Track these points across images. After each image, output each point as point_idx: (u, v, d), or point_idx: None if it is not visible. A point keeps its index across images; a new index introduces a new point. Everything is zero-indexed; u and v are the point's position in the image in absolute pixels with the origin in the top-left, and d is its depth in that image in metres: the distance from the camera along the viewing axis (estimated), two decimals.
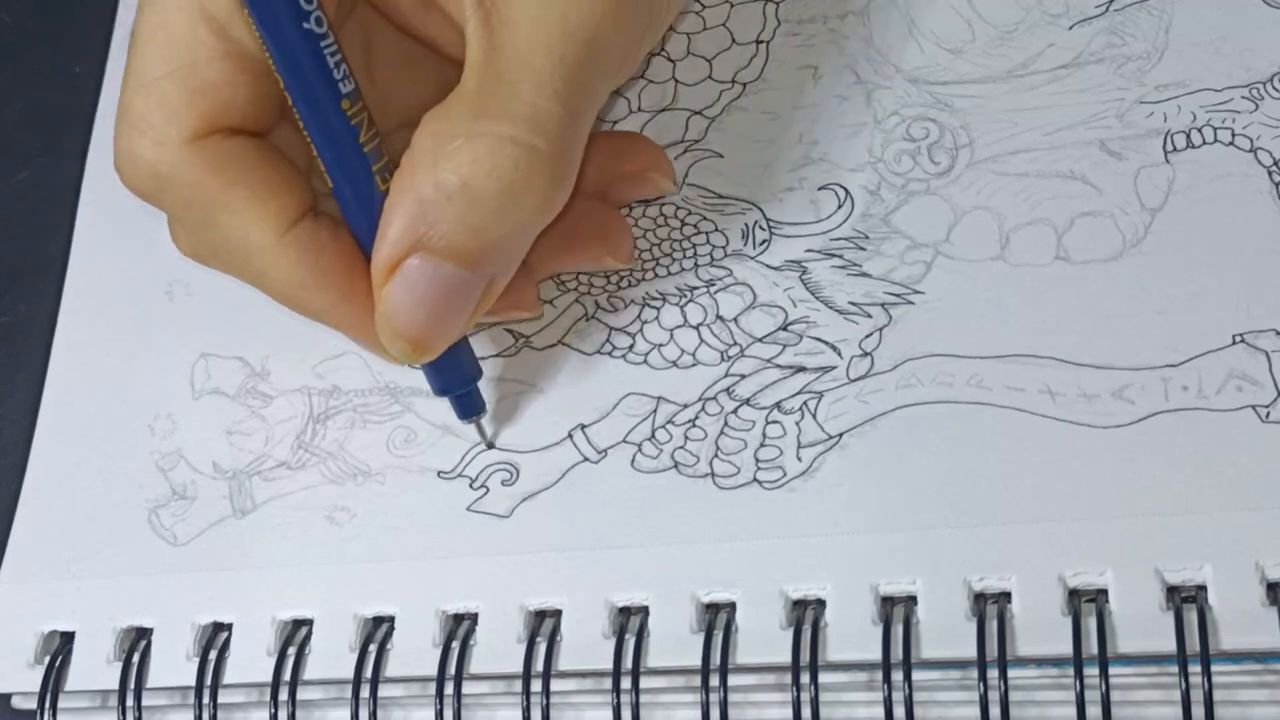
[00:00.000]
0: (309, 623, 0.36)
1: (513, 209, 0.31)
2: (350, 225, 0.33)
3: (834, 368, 0.36)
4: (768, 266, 0.37)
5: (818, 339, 0.36)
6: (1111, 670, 0.31)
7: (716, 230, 0.38)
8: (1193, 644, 0.31)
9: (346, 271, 0.33)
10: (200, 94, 0.32)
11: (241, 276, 0.34)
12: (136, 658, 0.36)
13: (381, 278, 0.32)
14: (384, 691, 0.35)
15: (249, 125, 0.34)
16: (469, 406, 0.36)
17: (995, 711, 0.31)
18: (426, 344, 0.33)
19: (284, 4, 0.31)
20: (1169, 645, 0.31)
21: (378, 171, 0.33)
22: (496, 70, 0.31)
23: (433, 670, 0.34)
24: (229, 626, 0.36)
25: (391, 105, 0.36)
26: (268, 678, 0.35)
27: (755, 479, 0.35)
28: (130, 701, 0.36)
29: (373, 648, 0.35)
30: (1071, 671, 0.31)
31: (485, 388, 0.37)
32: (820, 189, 0.38)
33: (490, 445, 0.37)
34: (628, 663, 0.33)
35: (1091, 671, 0.31)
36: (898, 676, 0.32)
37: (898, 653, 0.32)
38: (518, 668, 0.34)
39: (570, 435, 0.36)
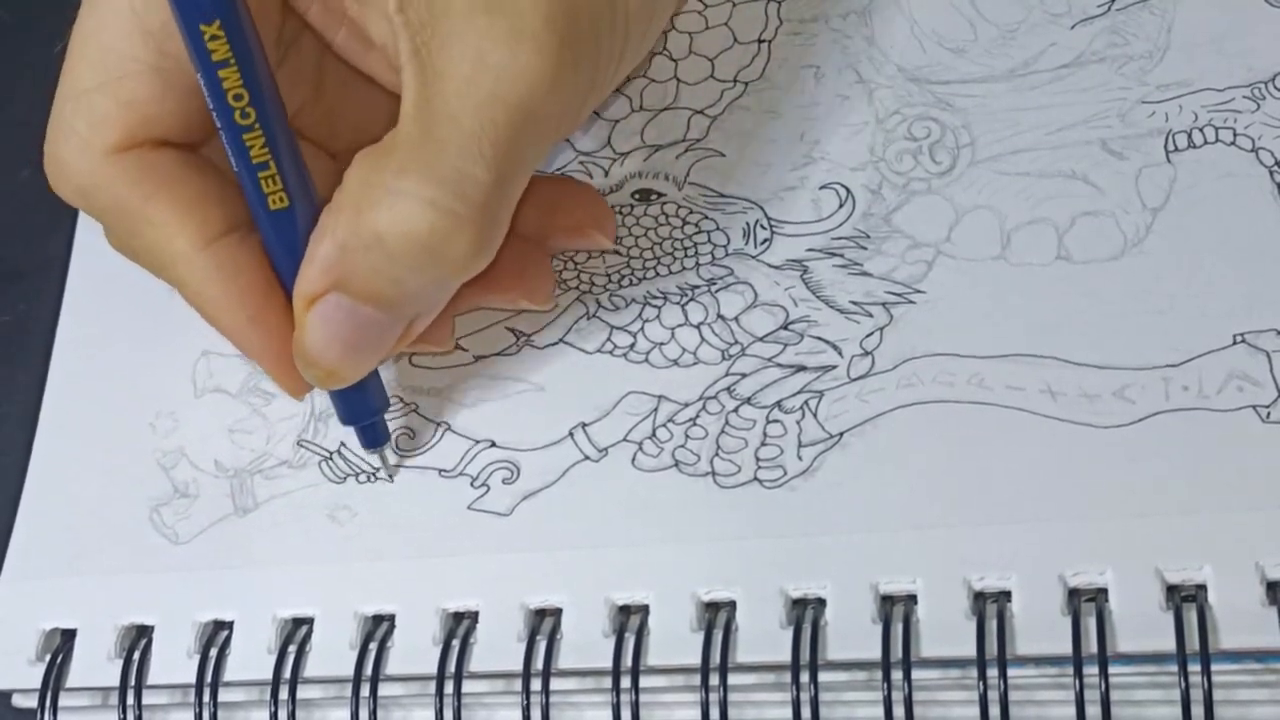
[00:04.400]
0: (309, 621, 0.36)
1: (428, 267, 0.32)
2: (266, 247, 0.34)
3: (835, 367, 0.36)
4: (769, 265, 0.37)
5: (819, 338, 0.36)
6: (1111, 669, 0.31)
7: (718, 229, 0.38)
8: (1192, 643, 0.31)
9: (262, 296, 0.34)
10: (127, 107, 0.33)
11: (164, 280, 0.35)
12: (137, 655, 0.36)
13: (303, 307, 0.32)
14: (384, 690, 0.35)
15: (178, 139, 0.34)
16: (374, 436, 0.37)
17: (995, 711, 0.31)
18: (340, 375, 0.34)
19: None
20: (1169, 645, 0.31)
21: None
22: (426, 125, 0.31)
23: (433, 668, 0.34)
24: (230, 624, 0.36)
25: (341, 126, 0.36)
26: (268, 676, 0.35)
27: (756, 478, 0.35)
28: (131, 699, 0.36)
29: (373, 646, 0.35)
30: (1071, 671, 0.31)
31: (484, 387, 0.37)
32: (822, 188, 0.38)
33: (391, 477, 0.37)
34: (628, 661, 0.33)
35: (1091, 671, 0.31)
36: (897, 675, 0.32)
37: (897, 652, 0.32)
38: (518, 666, 0.34)
39: (571, 434, 0.37)
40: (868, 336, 0.36)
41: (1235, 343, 0.34)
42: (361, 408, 0.36)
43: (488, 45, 0.30)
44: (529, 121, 0.31)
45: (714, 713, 0.33)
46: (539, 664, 0.34)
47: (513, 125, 0.31)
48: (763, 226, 0.38)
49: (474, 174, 0.31)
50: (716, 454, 0.35)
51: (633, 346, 0.37)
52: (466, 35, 0.31)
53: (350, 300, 0.32)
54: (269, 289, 0.34)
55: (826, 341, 0.36)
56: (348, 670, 0.35)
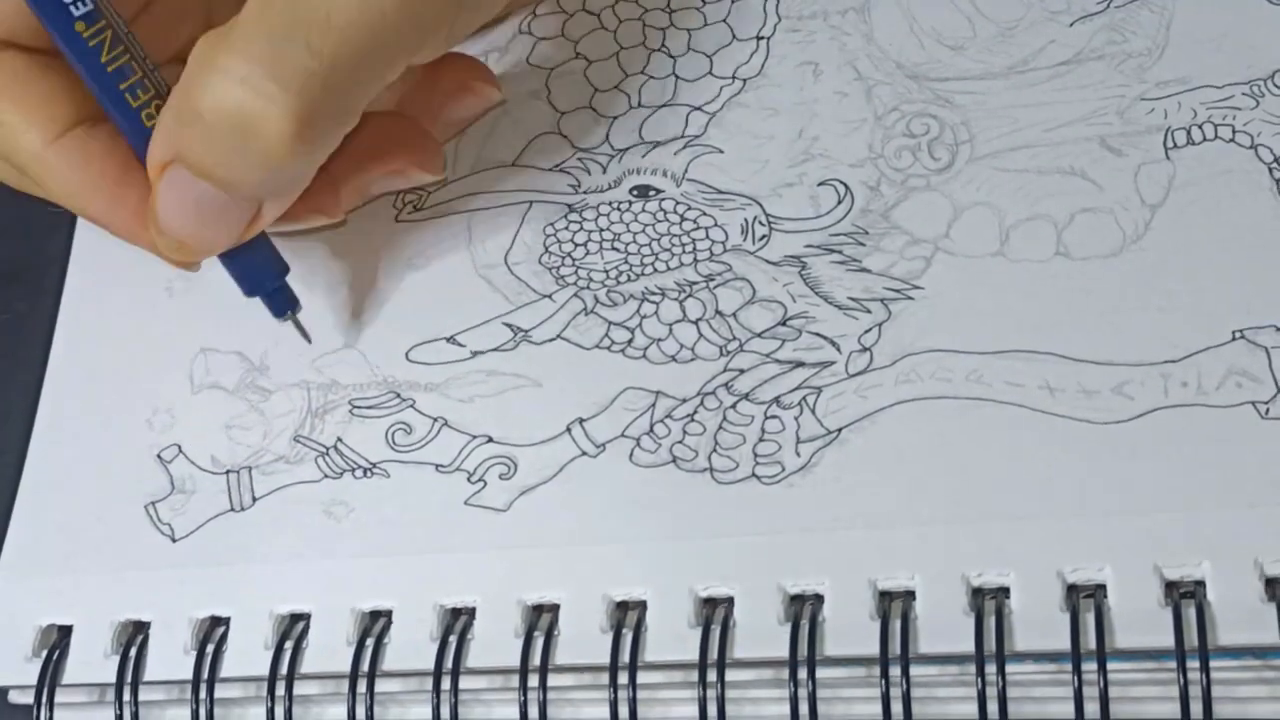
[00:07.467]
0: (306, 617, 0.36)
1: (245, 149, 0.32)
2: (131, 141, 0.35)
3: (833, 363, 0.36)
4: (767, 262, 0.37)
5: (817, 334, 0.36)
6: (1109, 666, 0.31)
7: (716, 225, 0.38)
8: (1191, 640, 0.30)
9: (118, 179, 0.35)
10: None
11: (20, 185, 0.36)
12: (134, 651, 0.36)
13: (155, 174, 0.33)
14: (381, 685, 0.35)
15: (21, 40, 0.34)
16: (281, 304, 0.37)
17: (993, 707, 0.31)
18: (190, 247, 0.34)
19: None
20: (1167, 641, 0.31)
21: (127, 89, 0.34)
22: (262, 9, 0.31)
23: (430, 664, 0.34)
24: (226, 620, 0.36)
25: (170, 39, 0.37)
26: (265, 672, 0.35)
27: (754, 474, 0.35)
28: (127, 695, 0.36)
29: (370, 642, 0.35)
30: (1069, 667, 0.31)
31: (481, 383, 0.37)
32: (820, 184, 0.38)
33: (309, 340, 0.38)
34: (625, 657, 0.33)
35: (1090, 667, 0.31)
36: (896, 672, 0.32)
37: (896, 648, 0.32)
38: (515, 662, 0.34)
39: (569, 429, 0.36)
40: (866, 333, 0.36)
41: (1234, 339, 0.34)
42: (263, 275, 0.37)
43: None
44: (377, 24, 0.31)
45: (711, 709, 0.33)
46: (536, 660, 0.34)
47: (354, 24, 0.31)
48: (761, 223, 0.38)
49: (299, 60, 0.31)
50: (714, 450, 0.35)
51: (630, 342, 0.37)
52: None
53: (190, 173, 0.33)
54: (124, 172, 0.35)
55: (825, 338, 0.36)
56: (344, 666, 0.35)
